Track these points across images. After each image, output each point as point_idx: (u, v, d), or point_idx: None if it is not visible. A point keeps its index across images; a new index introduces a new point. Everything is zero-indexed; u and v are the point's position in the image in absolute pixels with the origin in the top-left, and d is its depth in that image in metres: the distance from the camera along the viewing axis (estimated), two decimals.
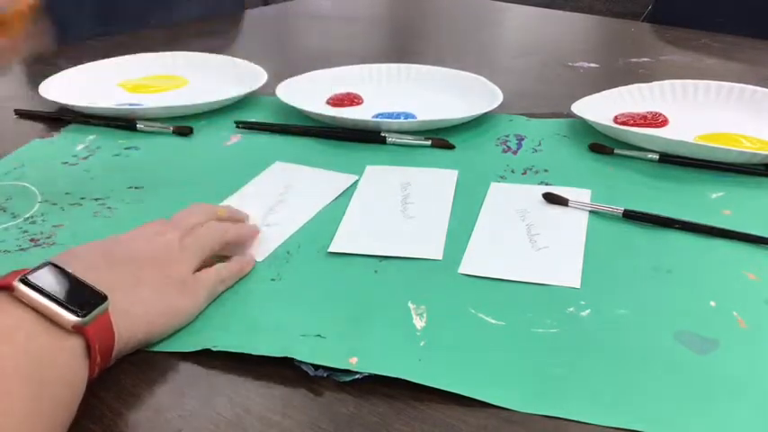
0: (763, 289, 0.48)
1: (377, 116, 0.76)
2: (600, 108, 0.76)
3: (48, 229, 0.55)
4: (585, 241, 0.53)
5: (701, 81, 0.81)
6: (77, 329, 0.36)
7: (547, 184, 0.62)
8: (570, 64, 1.00)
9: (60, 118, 0.77)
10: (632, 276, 0.49)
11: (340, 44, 1.13)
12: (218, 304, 0.46)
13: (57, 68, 0.86)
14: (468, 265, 0.50)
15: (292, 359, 0.41)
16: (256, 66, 0.88)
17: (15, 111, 0.79)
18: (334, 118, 0.74)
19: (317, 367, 0.40)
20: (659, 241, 0.54)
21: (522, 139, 0.72)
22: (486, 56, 1.10)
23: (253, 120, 0.76)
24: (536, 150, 0.69)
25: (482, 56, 1.09)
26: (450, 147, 0.70)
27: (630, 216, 0.56)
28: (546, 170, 0.65)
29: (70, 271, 0.38)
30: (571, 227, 0.55)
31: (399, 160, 0.67)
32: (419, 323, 0.44)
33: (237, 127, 0.75)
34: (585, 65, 0.99)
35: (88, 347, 0.37)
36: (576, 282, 0.48)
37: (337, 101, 0.81)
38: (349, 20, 1.31)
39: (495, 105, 0.76)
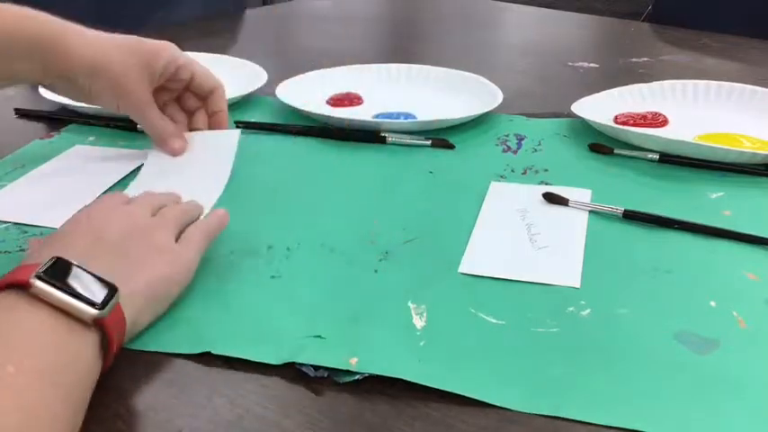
0: (763, 289, 0.48)
1: (377, 116, 0.76)
2: (600, 108, 0.76)
3: (48, 230, 0.55)
4: (585, 241, 0.53)
5: (701, 81, 0.81)
6: (97, 323, 0.36)
7: (547, 184, 0.62)
8: (570, 64, 1.00)
9: (60, 118, 0.77)
10: (632, 276, 0.49)
11: (340, 44, 1.13)
12: (218, 303, 0.46)
13: None
14: (468, 265, 0.50)
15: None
16: (256, 66, 0.88)
17: (15, 111, 0.79)
18: (333, 118, 0.74)
19: (317, 368, 0.40)
20: (659, 241, 0.54)
21: (522, 139, 0.72)
22: (486, 56, 1.10)
23: (253, 120, 0.76)
24: (536, 150, 0.69)
25: (482, 56, 1.09)
26: (451, 147, 0.70)
27: (630, 216, 0.56)
28: (546, 170, 0.65)
29: (75, 263, 0.38)
30: (571, 227, 0.55)
31: (399, 160, 0.67)
32: (419, 323, 0.44)
33: (237, 127, 0.75)
34: (585, 65, 0.99)
35: (104, 339, 0.37)
36: (576, 281, 0.48)
37: (337, 101, 0.81)
38: (349, 20, 1.31)
39: (495, 105, 0.76)
